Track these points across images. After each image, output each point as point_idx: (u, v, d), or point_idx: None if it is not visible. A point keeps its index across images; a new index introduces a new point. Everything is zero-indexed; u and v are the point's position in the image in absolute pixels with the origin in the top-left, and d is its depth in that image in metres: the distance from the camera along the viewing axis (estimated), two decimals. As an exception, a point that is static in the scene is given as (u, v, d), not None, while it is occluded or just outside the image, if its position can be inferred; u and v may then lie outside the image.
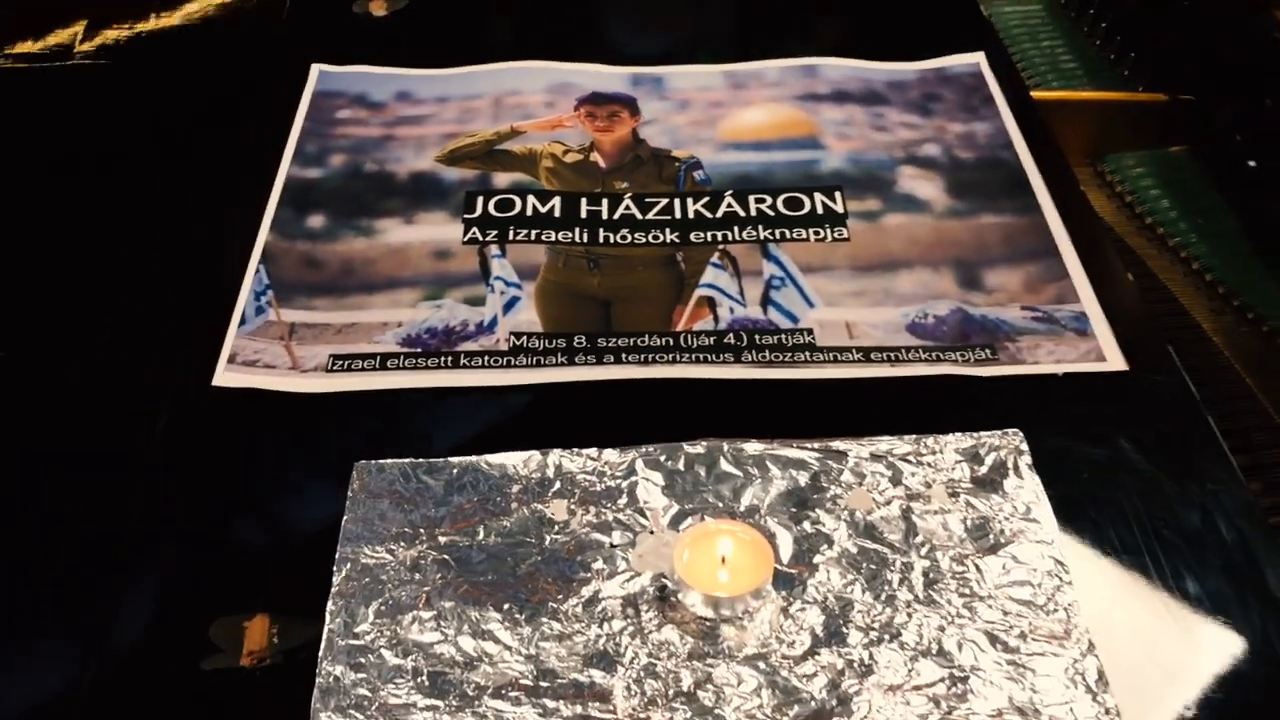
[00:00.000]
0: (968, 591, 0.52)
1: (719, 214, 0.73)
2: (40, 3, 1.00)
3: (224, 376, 0.63)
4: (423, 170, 0.77)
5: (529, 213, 0.73)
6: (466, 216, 0.73)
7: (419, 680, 0.49)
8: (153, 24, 0.95)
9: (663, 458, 0.58)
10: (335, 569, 0.53)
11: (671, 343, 0.65)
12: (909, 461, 0.58)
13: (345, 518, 0.56)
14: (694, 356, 0.64)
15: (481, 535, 0.55)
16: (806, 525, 0.55)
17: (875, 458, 0.58)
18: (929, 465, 0.57)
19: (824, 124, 0.80)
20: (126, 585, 0.54)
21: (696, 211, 0.73)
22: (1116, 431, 0.60)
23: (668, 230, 0.72)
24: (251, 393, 0.63)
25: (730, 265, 0.70)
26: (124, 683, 0.51)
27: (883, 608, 0.52)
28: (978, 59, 0.86)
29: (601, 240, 0.71)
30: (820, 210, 0.73)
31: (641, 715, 0.48)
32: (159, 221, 0.74)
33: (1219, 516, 0.56)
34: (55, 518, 0.57)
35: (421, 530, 0.55)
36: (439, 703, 0.49)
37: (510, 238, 0.71)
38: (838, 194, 0.74)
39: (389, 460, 0.58)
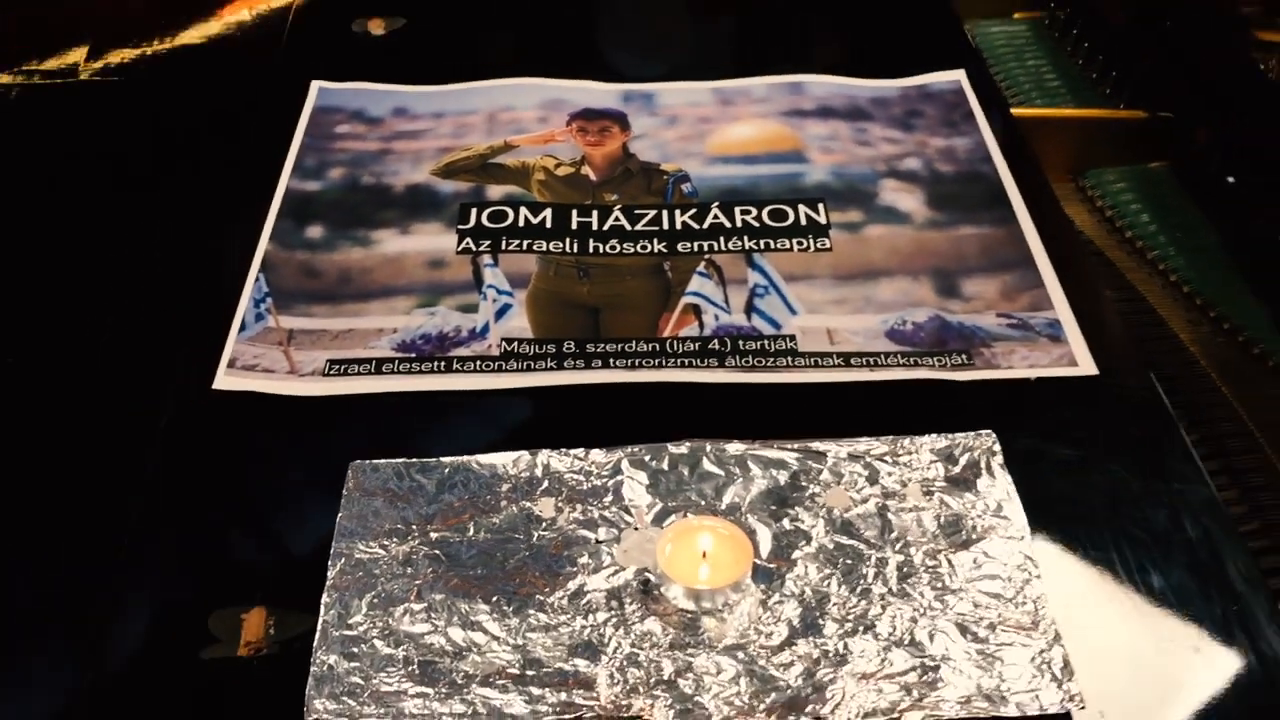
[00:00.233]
0: (940, 585, 0.54)
1: (705, 225, 0.75)
2: (46, 26, 1.02)
3: (224, 380, 0.65)
4: (418, 183, 0.79)
5: (521, 223, 0.75)
6: (460, 227, 0.75)
7: (410, 669, 0.51)
8: (159, 45, 0.98)
9: (647, 457, 0.60)
10: (330, 563, 0.55)
11: (658, 348, 0.67)
12: (885, 461, 0.60)
13: (340, 515, 0.58)
14: (679, 361, 0.66)
15: (471, 531, 0.57)
16: (786, 522, 0.57)
17: (853, 458, 0.60)
18: (905, 465, 0.59)
19: (809, 139, 0.83)
20: (129, 579, 0.56)
21: (684, 223, 0.76)
22: (1086, 433, 0.62)
23: (655, 241, 0.74)
24: (250, 396, 0.65)
25: (716, 274, 0.72)
26: (127, 673, 0.53)
27: (858, 600, 0.54)
28: (959, 76, 0.88)
29: (591, 250, 0.74)
30: (804, 221, 0.75)
31: (624, 702, 0.50)
32: (164, 231, 0.76)
33: (1184, 514, 0.58)
34: (60, 513, 0.59)
35: (414, 526, 0.57)
36: (429, 690, 0.50)
37: (503, 247, 0.74)
38: (821, 206, 0.77)
39: (383, 460, 0.60)
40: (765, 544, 0.56)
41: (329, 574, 0.55)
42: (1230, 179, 0.94)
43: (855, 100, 0.86)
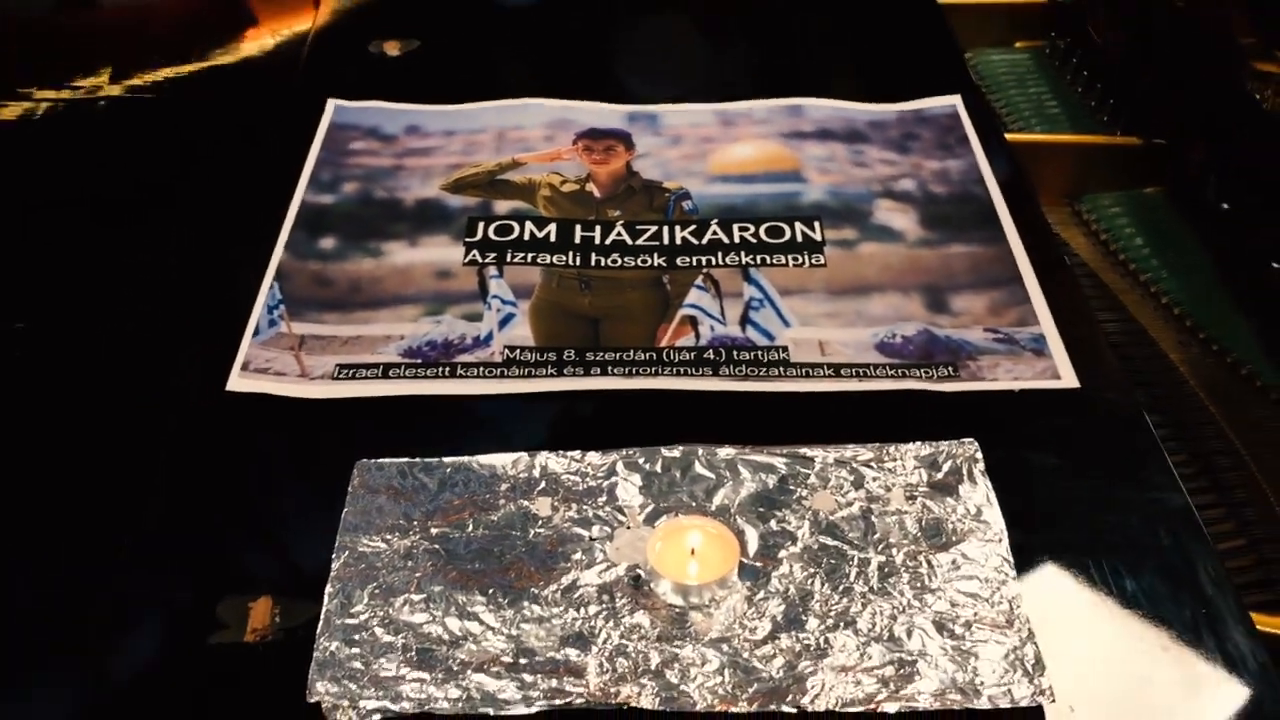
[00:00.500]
0: (919, 584, 0.56)
1: (704, 240, 0.78)
2: (76, 47, 1.07)
3: (237, 382, 0.68)
4: (429, 197, 0.82)
5: (526, 237, 0.78)
6: (468, 240, 0.78)
7: (408, 655, 0.54)
8: (184, 66, 1.02)
9: (641, 460, 0.62)
10: (334, 556, 0.58)
11: (655, 357, 0.70)
12: (871, 467, 0.62)
13: (345, 510, 0.60)
14: (675, 370, 0.69)
15: (470, 528, 0.59)
16: (773, 523, 0.59)
17: (840, 463, 0.62)
18: (889, 470, 0.62)
19: (807, 159, 0.85)
20: (142, 567, 0.59)
21: (683, 238, 0.78)
22: (1066, 443, 0.64)
23: (656, 255, 0.77)
24: (262, 397, 0.67)
25: (713, 287, 0.74)
26: (139, 657, 0.55)
27: (840, 598, 0.56)
28: (954, 101, 0.91)
29: (593, 263, 0.76)
30: (800, 238, 0.78)
31: (612, 690, 0.52)
32: (184, 240, 0.79)
33: (1158, 521, 0.60)
34: (77, 504, 0.62)
35: (415, 522, 0.60)
36: (425, 675, 0.53)
37: (508, 260, 0.76)
38: (816, 223, 0.79)
39: (387, 459, 0.62)
40: (753, 544, 0.58)
41: (333, 566, 0.57)
42: (1225, 205, 0.96)
43: (853, 123, 0.89)
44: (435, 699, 0.52)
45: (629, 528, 0.59)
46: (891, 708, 0.51)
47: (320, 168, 0.84)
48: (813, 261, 0.76)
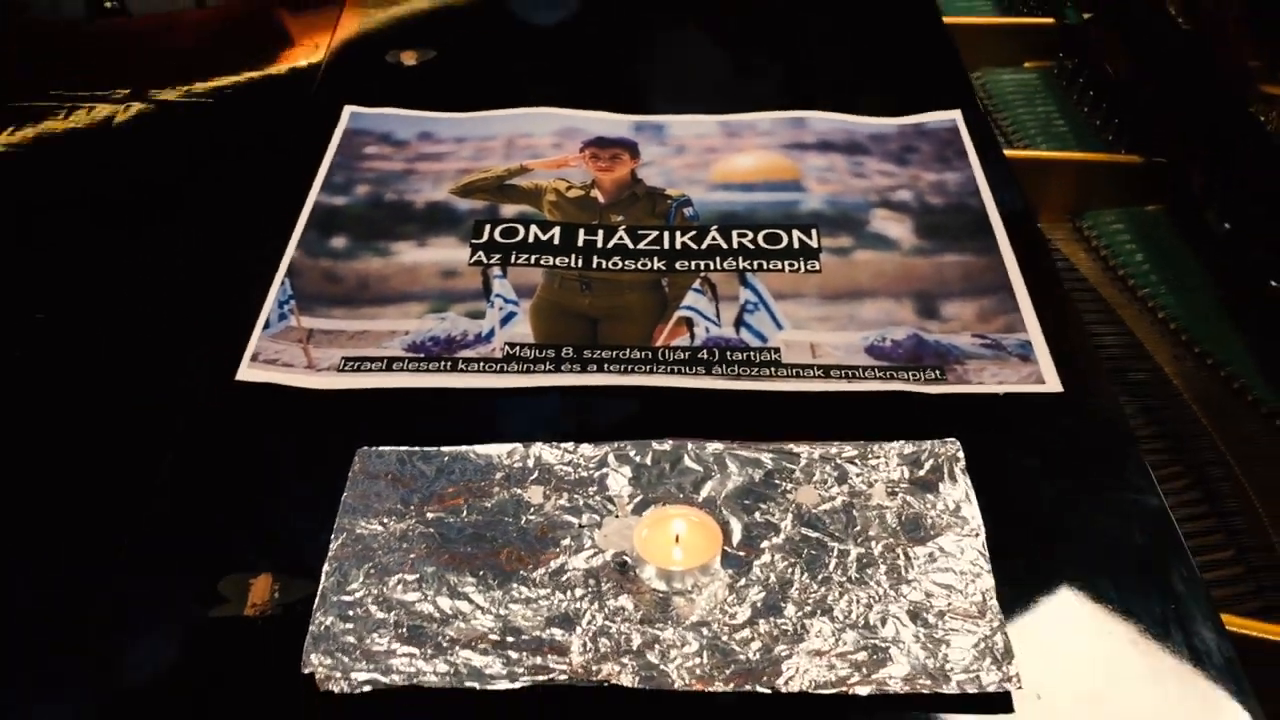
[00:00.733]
0: (896, 575, 0.58)
1: (704, 246, 0.80)
2: (101, 56, 1.10)
3: (247, 372, 0.71)
4: (438, 201, 0.85)
5: (531, 240, 0.80)
6: (474, 241, 0.80)
7: (399, 631, 0.56)
8: (209, 75, 1.05)
9: (632, 452, 0.64)
10: (333, 537, 0.60)
11: (650, 355, 0.72)
12: (854, 464, 0.64)
13: (345, 494, 0.62)
14: (669, 368, 0.71)
15: (465, 514, 0.62)
16: (757, 515, 0.61)
17: (824, 459, 0.64)
18: (873, 467, 0.63)
19: (807, 170, 0.87)
20: (151, 547, 0.61)
21: (683, 243, 0.80)
22: (1048, 444, 0.66)
23: (656, 259, 0.79)
24: (270, 387, 0.70)
25: (710, 290, 0.77)
26: (145, 628, 0.58)
27: (818, 587, 0.58)
28: (954, 116, 0.93)
29: (595, 266, 0.79)
30: (796, 245, 0.80)
31: (594, 668, 0.54)
32: (202, 238, 0.82)
33: (1134, 520, 0.61)
34: (92, 484, 0.65)
35: (411, 507, 0.62)
36: (415, 650, 0.55)
37: (512, 261, 0.79)
38: (813, 231, 0.81)
39: (388, 447, 0.65)
40: (736, 534, 0.60)
41: (331, 546, 0.60)
42: (1227, 225, 0.98)
43: (854, 135, 0.91)
44: (424, 672, 0.54)
45: (617, 516, 0.61)
46: (863, 691, 0.53)
47: (334, 171, 0.87)
48: (808, 267, 0.78)
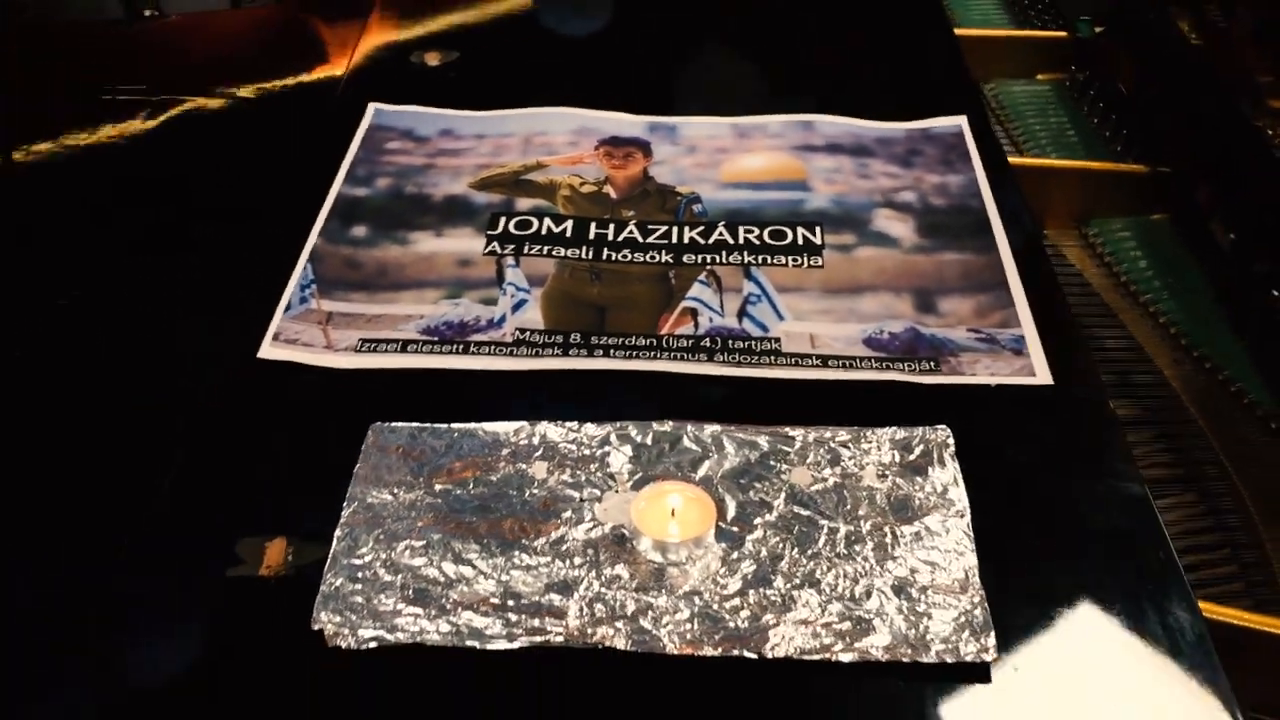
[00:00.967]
0: (883, 552, 0.60)
1: (711, 241, 0.83)
2: (141, 56, 1.15)
3: (268, 350, 0.74)
4: (456, 194, 0.88)
5: (544, 232, 0.83)
6: (489, 232, 0.83)
7: (406, 593, 0.58)
8: (243, 73, 1.09)
9: (633, 432, 0.67)
10: (345, 505, 0.63)
11: (655, 343, 0.74)
12: (848, 447, 0.66)
13: (357, 466, 0.65)
14: (673, 355, 0.73)
15: (471, 486, 0.64)
16: (751, 494, 0.64)
17: (819, 443, 0.66)
18: (864, 451, 0.66)
19: (814, 170, 0.90)
20: (173, 511, 0.65)
21: (691, 238, 0.83)
22: (1036, 433, 0.68)
23: (664, 252, 0.82)
24: (290, 365, 0.73)
25: (715, 283, 0.79)
26: (166, 586, 0.61)
27: (807, 561, 0.60)
28: (960, 121, 0.95)
29: (605, 257, 0.81)
30: (801, 241, 0.83)
31: (589, 631, 0.57)
32: (230, 222, 0.86)
33: (1116, 505, 0.63)
34: (118, 452, 0.68)
35: (420, 479, 0.65)
36: (420, 610, 0.58)
37: (525, 251, 0.82)
38: (818, 228, 0.84)
39: (400, 423, 0.68)
40: (731, 511, 0.63)
41: (343, 514, 0.62)
42: (1232, 235, 0.99)
43: (861, 139, 0.94)
44: (427, 631, 0.57)
45: (617, 492, 0.64)
46: (846, 658, 0.55)
47: (357, 164, 0.91)
48: (811, 263, 0.81)
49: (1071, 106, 1.21)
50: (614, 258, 0.81)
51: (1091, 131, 1.17)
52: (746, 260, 0.81)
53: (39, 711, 0.56)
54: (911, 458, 0.65)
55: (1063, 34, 1.27)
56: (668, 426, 0.67)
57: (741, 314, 0.77)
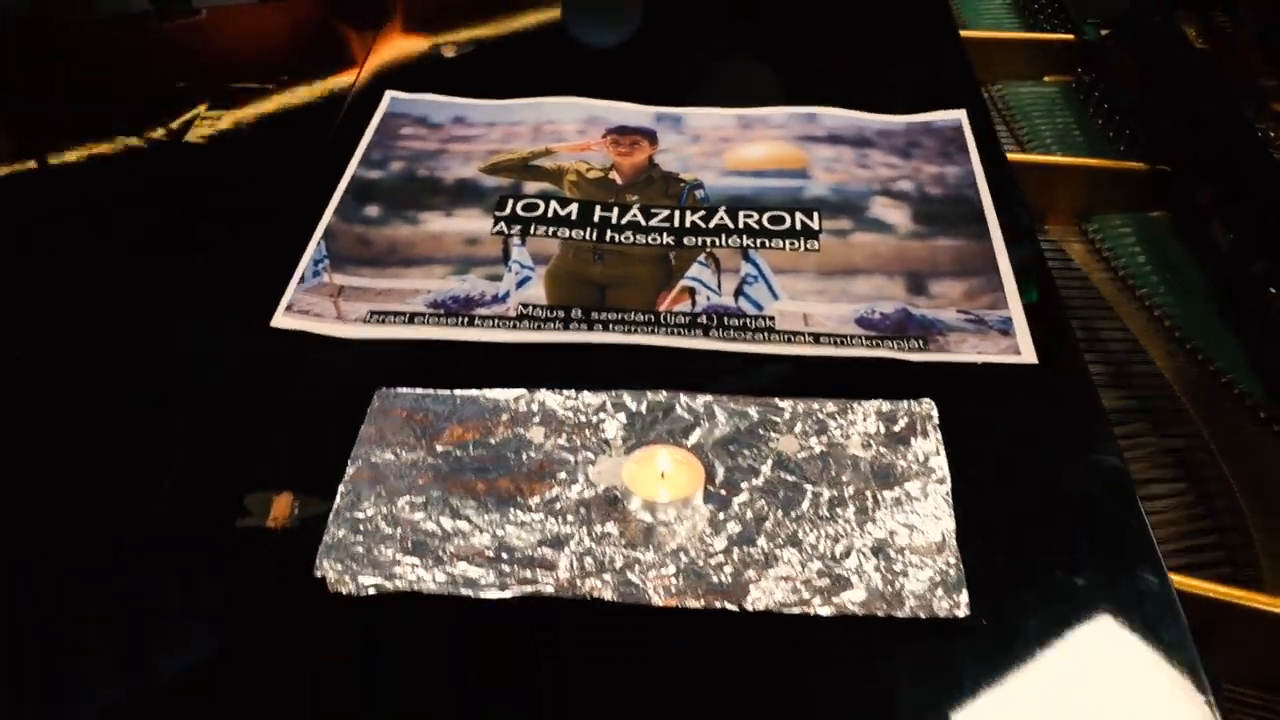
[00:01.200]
0: (864, 515, 0.62)
1: (712, 224, 0.85)
2: (170, 50, 1.19)
3: (281, 320, 0.77)
4: (466, 177, 0.91)
5: (550, 214, 0.86)
6: (497, 213, 0.86)
7: (404, 544, 0.61)
8: (269, 73, 1.12)
9: (628, 400, 0.69)
10: (349, 463, 0.66)
11: (653, 319, 0.77)
12: (835, 418, 0.68)
13: (363, 427, 0.68)
14: (670, 330, 0.76)
15: (471, 448, 0.67)
16: (740, 460, 0.66)
17: (807, 413, 0.69)
18: (851, 422, 0.68)
19: (815, 160, 0.92)
20: (189, 465, 0.68)
21: (693, 222, 0.86)
22: (1019, 410, 0.70)
23: (665, 235, 0.85)
24: (302, 334, 0.76)
25: (714, 264, 0.82)
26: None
27: (790, 523, 0.62)
28: (960, 115, 0.97)
29: (608, 239, 0.84)
30: (799, 226, 0.85)
31: (579, 583, 0.59)
32: (249, 201, 0.89)
33: (1093, 477, 0.65)
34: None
35: (422, 441, 0.67)
36: (417, 560, 0.60)
37: (531, 232, 0.85)
38: (816, 214, 0.86)
39: (404, 389, 0.71)
40: (719, 475, 0.65)
41: (347, 471, 0.65)
42: (1231, 235, 1.01)
43: (863, 131, 0.96)
44: (424, 580, 0.59)
45: (610, 456, 0.66)
46: (824, 612, 0.58)
47: (372, 148, 0.94)
48: (808, 246, 0.83)
49: (1077, 108, 1.23)
50: (617, 240, 0.84)
51: (1096, 132, 1.19)
52: (745, 243, 0.83)
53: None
54: (896, 429, 0.68)
55: (1070, 37, 1.29)
56: (661, 395, 0.70)
57: (738, 293, 0.79)
